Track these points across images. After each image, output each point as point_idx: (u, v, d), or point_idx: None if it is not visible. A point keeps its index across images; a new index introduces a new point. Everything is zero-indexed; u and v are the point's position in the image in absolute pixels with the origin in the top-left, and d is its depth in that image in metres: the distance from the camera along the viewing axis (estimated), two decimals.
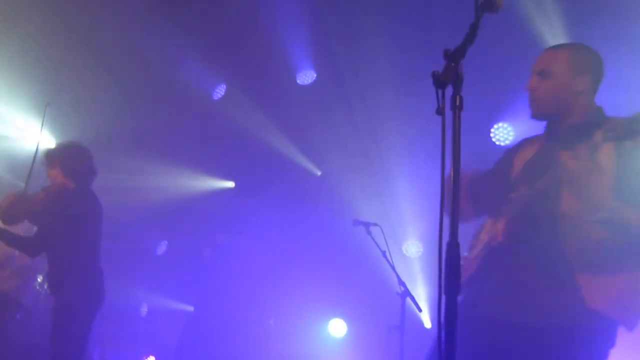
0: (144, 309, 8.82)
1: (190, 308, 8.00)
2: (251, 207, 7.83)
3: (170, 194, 8.20)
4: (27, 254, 4.94)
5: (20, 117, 7.94)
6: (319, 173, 7.83)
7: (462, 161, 2.01)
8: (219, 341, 7.44)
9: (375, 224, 5.27)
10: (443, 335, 1.86)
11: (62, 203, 4.65)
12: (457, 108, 2.07)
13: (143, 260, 8.49)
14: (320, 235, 7.30)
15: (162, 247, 9.02)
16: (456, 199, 1.94)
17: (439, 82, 2.05)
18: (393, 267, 5.00)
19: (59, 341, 4.52)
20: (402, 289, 5.01)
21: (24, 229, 5.31)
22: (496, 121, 6.78)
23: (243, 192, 8.23)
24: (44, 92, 7.65)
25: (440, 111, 2.05)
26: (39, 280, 7.35)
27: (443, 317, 1.89)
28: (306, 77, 7.53)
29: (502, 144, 6.72)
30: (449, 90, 2.07)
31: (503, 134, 6.77)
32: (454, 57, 2.10)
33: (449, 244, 1.95)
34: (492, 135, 6.78)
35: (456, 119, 2.06)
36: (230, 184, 8.52)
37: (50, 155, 4.83)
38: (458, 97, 2.08)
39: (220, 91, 8.02)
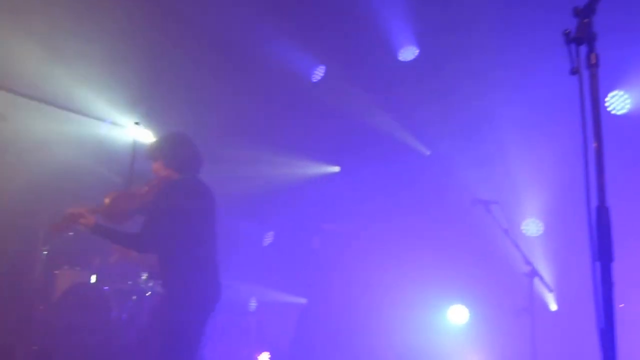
0: (253, 304, 9.00)
1: (303, 300, 8.07)
2: (358, 191, 7.87)
3: (274, 182, 8.35)
4: (136, 250, 4.93)
5: (117, 112, 8.33)
6: (427, 152, 7.83)
7: None
8: (335, 333, 7.53)
9: (496, 202, 5.24)
10: (601, 303, 1.86)
11: (167, 195, 4.57)
12: (593, 66, 2.06)
13: (249, 253, 8.67)
14: (433, 216, 7.27)
15: (268, 239, 9.13)
16: (601, 162, 1.93)
17: (573, 40, 2.04)
18: (517, 246, 4.96)
19: (169, 338, 4.42)
20: (529, 268, 4.95)
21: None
22: (611, 89, 6.62)
23: (349, 176, 8.29)
24: (138, 84, 8.03)
25: (576, 70, 2.05)
26: (143, 278, 7.67)
27: (599, 284, 1.89)
28: (408, 53, 7.50)
29: (619, 113, 6.52)
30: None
31: (619, 102, 6.59)
32: (586, 13, 2.09)
33: (598, 209, 1.94)
34: (607, 104, 6.62)
35: (593, 79, 2.06)
36: (335, 169, 8.60)
37: (152, 148, 4.82)
38: (594, 55, 2.07)
39: (319, 73, 8.12)
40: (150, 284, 7.59)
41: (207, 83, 8.00)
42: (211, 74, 7.91)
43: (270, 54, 7.53)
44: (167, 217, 4.51)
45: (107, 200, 4.58)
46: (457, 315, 7.41)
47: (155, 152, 4.79)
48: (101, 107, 8.29)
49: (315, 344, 7.55)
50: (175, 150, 4.78)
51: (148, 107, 8.32)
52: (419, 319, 7.34)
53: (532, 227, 7.10)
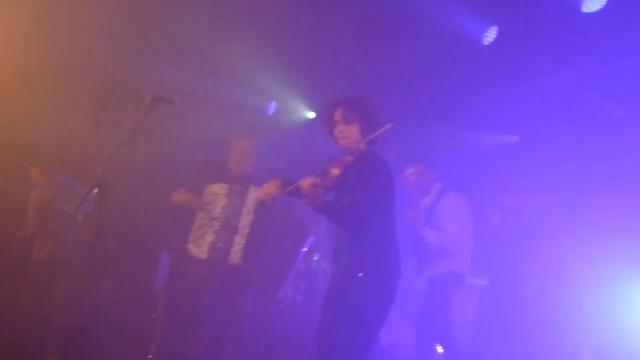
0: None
1: (484, 282, 7.77)
2: (539, 161, 7.48)
3: (445, 154, 8.05)
4: (345, 226, 4.47)
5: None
6: (620, 112, 7.22)
7: None
8: (519, 316, 7.25)
9: None
10: None
11: (373, 170, 4.35)
12: None
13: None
14: (631, 183, 6.75)
15: None
16: None
17: None
18: None
19: (358, 323, 4.22)
20: None
21: None
22: None
23: (528, 145, 7.83)
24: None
25: None
26: (315, 259, 7.75)
27: None
28: (593, 3, 6.93)
29: None
30: None
31: None
32: None
33: None
34: None
35: None
36: (513, 138, 8.21)
37: (350, 107, 4.52)
38: None
39: (491, 34, 7.63)
40: (322, 265, 7.67)
41: (370, 52, 7.88)
42: (373, 41, 7.77)
43: (436, 16, 7.27)
44: (373, 194, 4.29)
45: (335, 171, 4.29)
46: None
47: (353, 112, 4.51)
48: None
49: (498, 327, 7.26)
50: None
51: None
52: (610, 298, 6.89)
53: None
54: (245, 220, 6.39)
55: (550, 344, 7.06)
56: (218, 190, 6.46)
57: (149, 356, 6.76)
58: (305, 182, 4.14)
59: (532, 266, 7.30)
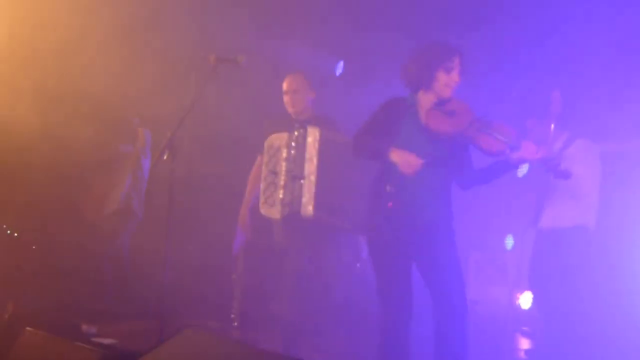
0: (510, 241, 8.65)
1: None
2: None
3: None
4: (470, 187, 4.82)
5: None
6: None
7: None
8: (611, 271, 7.02)
9: None
10: None
11: None
12: None
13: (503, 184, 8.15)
14: None
15: (523, 169, 8.61)
16: None
17: None
18: None
19: (454, 273, 4.57)
20: None
21: None
22: None
23: (626, 87, 7.31)
24: None
25: None
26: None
27: None
28: None
29: None
30: None
31: None
32: None
33: None
34: None
35: None
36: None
37: (465, 61, 4.52)
38: None
39: None
40: None
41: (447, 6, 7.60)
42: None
43: None
44: None
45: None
46: None
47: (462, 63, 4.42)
48: None
49: (587, 283, 6.88)
50: None
51: None
52: None
53: None
54: (310, 167, 5.80)
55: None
56: (277, 143, 5.99)
57: (232, 315, 6.92)
58: (532, 150, 4.16)
59: (620, 212, 7.00)
